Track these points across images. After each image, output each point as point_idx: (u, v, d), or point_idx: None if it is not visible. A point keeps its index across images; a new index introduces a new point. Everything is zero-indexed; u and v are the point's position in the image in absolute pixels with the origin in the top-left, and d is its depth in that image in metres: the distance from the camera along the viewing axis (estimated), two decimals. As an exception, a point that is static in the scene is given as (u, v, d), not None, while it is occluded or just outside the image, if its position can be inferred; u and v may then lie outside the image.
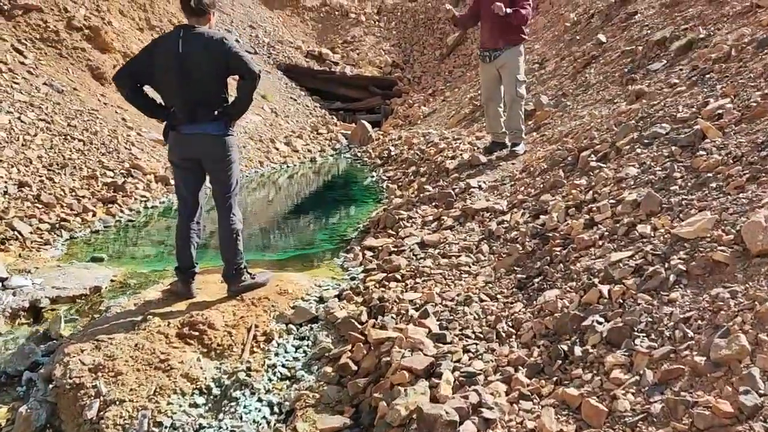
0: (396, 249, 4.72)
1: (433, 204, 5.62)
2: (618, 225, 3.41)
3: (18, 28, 9.54)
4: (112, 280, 4.56)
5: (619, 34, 8.38)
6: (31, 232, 5.56)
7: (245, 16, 18.29)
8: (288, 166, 11.29)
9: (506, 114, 6.36)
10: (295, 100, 15.74)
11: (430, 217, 5.25)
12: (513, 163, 6.11)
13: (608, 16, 9.96)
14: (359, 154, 12.54)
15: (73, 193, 6.81)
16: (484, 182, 5.74)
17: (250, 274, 4.17)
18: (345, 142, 13.89)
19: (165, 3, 13.26)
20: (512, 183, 5.47)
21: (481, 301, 3.47)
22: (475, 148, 7.32)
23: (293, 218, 7.45)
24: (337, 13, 20.65)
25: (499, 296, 3.50)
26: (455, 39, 17.54)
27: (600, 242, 3.39)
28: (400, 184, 7.95)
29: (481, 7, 6.13)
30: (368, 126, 13.77)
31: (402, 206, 5.79)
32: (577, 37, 10.26)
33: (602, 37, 8.65)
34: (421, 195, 5.97)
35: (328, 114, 15.82)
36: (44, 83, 8.88)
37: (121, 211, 6.85)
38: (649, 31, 7.46)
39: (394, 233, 5.16)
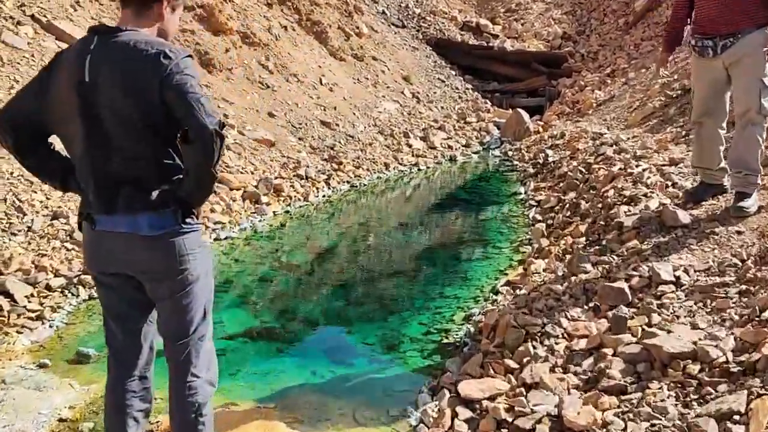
0: (510, 419, 2.59)
1: (591, 305, 3.34)
2: None
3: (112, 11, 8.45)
4: (61, 420, 2.96)
5: None
6: (31, 295, 4.13)
7: (395, -16, 16.36)
8: (419, 169, 9.29)
9: (733, 140, 3.85)
10: (443, 81, 13.61)
11: (583, 344, 3.00)
12: (738, 231, 3.59)
13: None
14: (510, 153, 10.23)
15: (127, 221, 5.43)
16: (687, 270, 3.33)
17: (229, 472, 2.33)
18: (496, 134, 11.58)
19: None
20: (741, 282, 3.03)
21: None
22: (669, 184, 4.77)
23: (385, 280, 5.03)
24: (502, -24, 17.98)
25: None
26: (645, 4, 14.17)
27: None
28: (550, 222, 5.65)
29: None
30: (525, 116, 11.30)
31: (539, 299, 3.57)
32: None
33: None
34: (573, 278, 3.70)
35: (481, 98, 13.47)
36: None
37: (179, 248, 5.33)
38: None
39: (516, 366, 3.00)
